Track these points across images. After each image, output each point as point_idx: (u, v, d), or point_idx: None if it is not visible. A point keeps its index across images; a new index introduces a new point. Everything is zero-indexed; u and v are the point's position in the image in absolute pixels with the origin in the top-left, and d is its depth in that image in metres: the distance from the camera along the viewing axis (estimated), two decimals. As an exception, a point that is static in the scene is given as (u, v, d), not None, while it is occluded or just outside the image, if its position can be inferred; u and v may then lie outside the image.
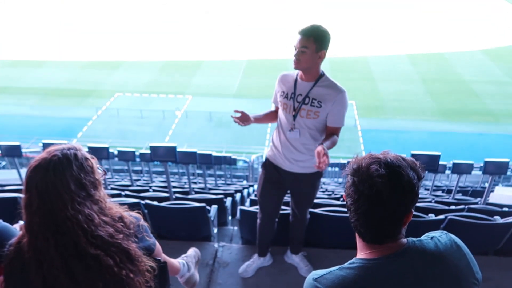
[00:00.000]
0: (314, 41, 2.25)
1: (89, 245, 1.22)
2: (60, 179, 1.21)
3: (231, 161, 10.33)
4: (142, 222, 1.44)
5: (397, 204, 1.08)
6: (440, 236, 1.16)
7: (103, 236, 1.26)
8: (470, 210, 4.02)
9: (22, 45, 38.69)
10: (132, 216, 1.41)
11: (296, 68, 2.39)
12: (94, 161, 1.34)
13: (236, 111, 2.51)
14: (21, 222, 1.61)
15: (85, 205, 1.26)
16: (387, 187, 1.06)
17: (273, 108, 2.79)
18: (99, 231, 1.26)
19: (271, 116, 2.78)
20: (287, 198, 3.07)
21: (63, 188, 1.22)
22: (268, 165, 2.79)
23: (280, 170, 2.71)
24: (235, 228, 4.34)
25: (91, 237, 1.23)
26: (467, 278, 1.10)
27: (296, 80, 2.49)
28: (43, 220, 1.19)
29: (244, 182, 10.71)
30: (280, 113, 2.62)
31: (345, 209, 3.37)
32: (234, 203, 5.09)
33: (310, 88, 2.43)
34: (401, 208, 1.09)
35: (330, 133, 2.51)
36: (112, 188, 5.41)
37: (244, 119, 2.52)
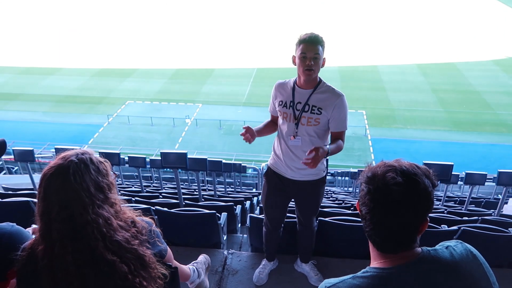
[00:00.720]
0: (322, 48, 2.31)
1: (106, 251, 1.22)
2: (80, 183, 1.22)
3: (240, 169, 10.33)
4: (154, 227, 1.44)
5: (413, 212, 1.06)
6: (456, 246, 1.14)
7: (120, 241, 1.25)
8: (484, 221, 3.95)
9: (35, 53, 39.38)
10: (144, 221, 1.41)
11: (309, 77, 2.37)
12: (108, 164, 1.36)
13: (244, 128, 2.46)
14: (34, 226, 1.62)
15: (104, 208, 1.26)
16: (404, 195, 1.05)
17: (270, 117, 2.79)
18: (116, 236, 1.26)
19: (270, 127, 2.76)
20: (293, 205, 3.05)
21: (84, 192, 1.22)
22: (270, 173, 2.78)
23: (282, 178, 2.70)
24: (245, 235, 4.33)
25: (109, 242, 1.23)
26: (484, 288, 1.08)
27: (294, 88, 2.49)
28: (63, 226, 1.19)
29: (254, 190, 10.69)
30: (280, 122, 2.61)
31: (356, 218, 3.34)
32: (243, 211, 5.07)
33: (309, 95, 2.44)
34: (417, 217, 1.08)
35: (335, 138, 2.54)
36: (122, 194, 5.43)
37: (251, 134, 2.48)
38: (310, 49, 2.28)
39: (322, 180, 2.71)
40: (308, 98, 2.44)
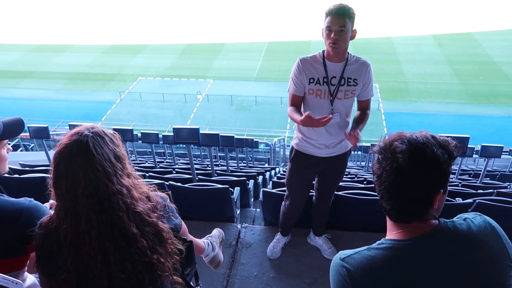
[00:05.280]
0: (349, 19, 2.17)
1: (130, 223, 1.23)
2: (102, 155, 1.22)
3: (253, 144, 10.34)
4: (168, 202, 1.45)
5: (419, 181, 1.05)
6: (474, 218, 1.12)
7: (141, 213, 1.26)
8: (499, 194, 3.90)
9: (46, 30, 39.38)
10: (159, 196, 1.42)
11: (336, 50, 2.23)
12: (118, 136, 1.36)
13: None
14: (52, 201, 1.64)
15: (124, 178, 1.28)
16: (407, 163, 1.04)
17: (290, 102, 2.48)
18: (138, 207, 1.27)
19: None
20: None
21: (107, 162, 1.23)
22: (298, 156, 2.65)
23: (312, 158, 2.60)
24: (258, 210, 4.37)
25: (131, 214, 1.25)
26: (502, 260, 1.06)
27: (324, 63, 2.34)
28: (90, 200, 1.20)
29: (266, 165, 10.73)
30: (311, 101, 2.42)
31: (368, 192, 3.32)
32: (256, 185, 5.10)
33: (343, 68, 2.33)
34: (425, 186, 1.06)
35: (362, 108, 2.49)
36: (136, 170, 5.49)
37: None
38: (336, 22, 2.15)
39: (349, 152, 2.70)
40: (343, 70, 2.33)
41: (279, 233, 3.22)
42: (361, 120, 2.44)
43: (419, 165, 1.04)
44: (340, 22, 2.15)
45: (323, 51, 2.37)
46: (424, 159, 1.04)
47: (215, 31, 37.99)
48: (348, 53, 2.36)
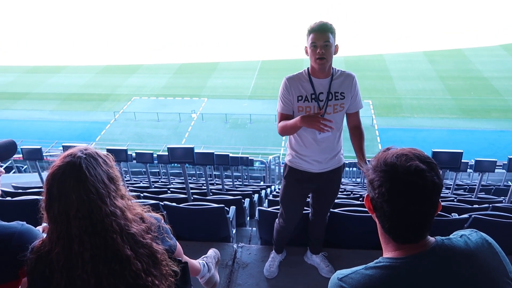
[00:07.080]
0: (331, 34, 2.24)
1: (124, 245, 1.22)
2: (95, 176, 1.21)
3: (248, 162, 10.32)
4: (163, 223, 1.43)
5: (434, 196, 1.05)
6: (470, 235, 1.11)
7: (135, 234, 1.25)
8: (495, 209, 3.90)
9: (40, 51, 39.57)
10: (153, 217, 1.41)
11: (323, 66, 2.28)
12: (111, 157, 1.36)
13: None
14: (44, 224, 1.61)
15: (117, 200, 1.26)
16: (428, 181, 1.02)
17: (278, 119, 2.53)
18: (132, 228, 1.25)
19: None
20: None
21: (99, 183, 1.22)
22: (292, 173, 2.64)
23: (306, 174, 2.59)
24: (254, 229, 4.32)
25: (125, 236, 1.23)
26: (500, 277, 1.05)
27: (311, 80, 2.38)
28: (83, 223, 1.18)
29: (261, 183, 10.69)
30: None
31: (364, 209, 3.28)
32: (252, 204, 5.07)
33: (329, 83, 2.37)
34: (436, 201, 1.06)
35: (355, 126, 2.55)
36: (130, 190, 5.45)
37: None
38: (320, 37, 2.21)
39: (343, 166, 2.70)
40: (329, 86, 2.37)
41: (273, 251, 3.19)
42: (360, 142, 2.53)
43: (436, 180, 1.04)
44: (324, 38, 2.22)
45: (308, 69, 2.42)
46: (438, 171, 1.05)
47: (209, 50, 38.37)
48: (333, 68, 2.41)
